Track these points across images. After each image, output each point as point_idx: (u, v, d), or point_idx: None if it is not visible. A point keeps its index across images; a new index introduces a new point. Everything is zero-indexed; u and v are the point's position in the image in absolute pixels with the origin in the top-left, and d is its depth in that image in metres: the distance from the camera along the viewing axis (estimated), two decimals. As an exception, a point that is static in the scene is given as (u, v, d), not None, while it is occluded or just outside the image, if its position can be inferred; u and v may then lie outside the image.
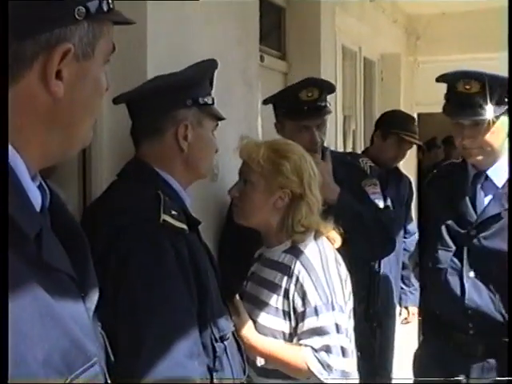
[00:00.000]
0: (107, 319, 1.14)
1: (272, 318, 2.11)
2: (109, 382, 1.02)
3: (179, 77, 2.00)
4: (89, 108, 1.03)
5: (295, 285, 2.07)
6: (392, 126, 4.23)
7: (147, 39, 2.17)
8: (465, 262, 2.68)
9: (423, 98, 6.62)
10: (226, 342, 1.88)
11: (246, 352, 2.06)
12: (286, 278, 2.10)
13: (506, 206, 2.61)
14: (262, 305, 2.14)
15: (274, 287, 2.13)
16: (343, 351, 2.05)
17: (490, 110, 2.54)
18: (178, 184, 1.93)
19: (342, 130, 5.11)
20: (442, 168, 3.17)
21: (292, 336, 2.09)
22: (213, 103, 2.01)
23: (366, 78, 5.83)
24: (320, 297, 2.05)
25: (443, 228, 2.75)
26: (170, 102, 1.92)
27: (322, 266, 2.10)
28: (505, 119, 2.62)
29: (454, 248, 2.72)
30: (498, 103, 2.55)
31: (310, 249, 2.12)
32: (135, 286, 1.68)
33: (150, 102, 1.92)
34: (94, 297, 1.05)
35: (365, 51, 5.53)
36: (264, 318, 2.12)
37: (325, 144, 3.07)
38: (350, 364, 2.11)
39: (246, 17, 2.99)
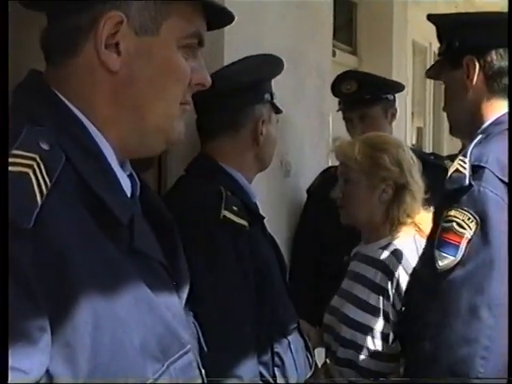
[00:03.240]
0: None
1: (363, 314, 2.08)
2: (202, 371, 1.02)
3: (258, 73, 1.99)
4: (160, 91, 0.98)
5: (396, 289, 2.03)
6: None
7: (224, 35, 2.17)
8: None
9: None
10: (289, 338, 1.87)
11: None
12: (384, 276, 2.07)
13: None
14: (354, 299, 2.11)
15: (369, 283, 2.10)
16: None
17: None
18: (244, 179, 1.94)
19: (411, 126, 5.03)
20: None
21: (384, 334, 2.05)
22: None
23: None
24: None
25: None
26: (250, 98, 1.93)
27: None
28: None
29: None
30: None
31: (408, 247, 2.08)
32: (192, 280, 1.69)
33: (227, 98, 1.92)
34: (185, 285, 1.05)
35: (435, 46, 5.42)
36: (355, 312, 2.09)
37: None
38: None
39: (321, 12, 2.96)
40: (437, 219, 1.62)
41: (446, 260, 1.50)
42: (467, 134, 1.80)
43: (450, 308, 1.48)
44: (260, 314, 1.77)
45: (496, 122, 1.69)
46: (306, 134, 2.83)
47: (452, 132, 1.91)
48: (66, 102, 0.94)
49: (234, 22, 2.20)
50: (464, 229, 1.49)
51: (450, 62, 1.77)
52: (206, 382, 1.04)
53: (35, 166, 0.80)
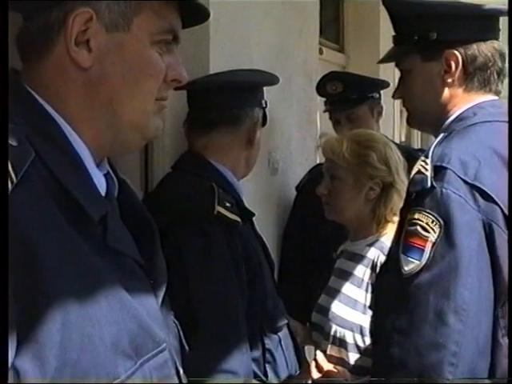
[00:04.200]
0: None
1: (351, 311, 2.08)
2: (180, 370, 1.01)
3: (260, 76, 2.04)
4: (132, 86, 0.97)
5: None
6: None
7: (210, 31, 2.17)
8: None
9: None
10: (280, 334, 1.87)
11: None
12: (369, 271, 2.07)
13: None
14: (342, 297, 2.11)
15: (356, 280, 2.10)
16: None
17: None
18: (233, 176, 1.94)
19: (400, 123, 5.04)
20: None
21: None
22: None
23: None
24: None
25: None
26: (251, 99, 1.96)
27: None
28: None
29: None
30: None
31: None
32: (187, 276, 1.69)
33: (231, 94, 1.93)
34: (163, 284, 1.04)
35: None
36: (343, 310, 2.09)
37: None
38: None
39: (307, 9, 2.96)
40: (401, 222, 1.57)
41: (411, 264, 1.46)
42: (432, 126, 1.75)
43: (416, 313, 1.44)
44: (251, 310, 1.77)
45: (458, 118, 1.62)
46: (294, 131, 2.83)
47: (413, 123, 1.83)
48: (40, 100, 0.94)
49: (219, 20, 2.22)
50: (428, 232, 1.45)
51: (422, 54, 1.67)
52: (184, 381, 1.02)
53: None
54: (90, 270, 0.87)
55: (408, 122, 1.84)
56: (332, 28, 4.17)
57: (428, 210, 1.45)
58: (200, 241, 1.72)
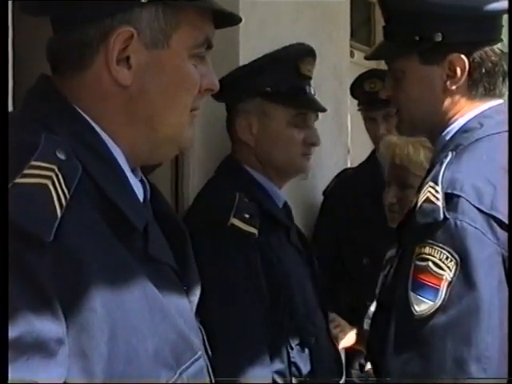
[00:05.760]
0: None
1: None
2: (212, 376, 1.01)
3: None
4: (171, 101, 0.98)
5: None
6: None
7: (239, 36, 2.16)
8: None
9: None
10: (307, 348, 1.84)
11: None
12: None
13: None
14: None
15: None
16: None
17: None
18: (270, 183, 1.90)
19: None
20: None
21: None
22: None
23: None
24: None
25: None
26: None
27: None
28: None
29: None
30: None
31: None
32: (204, 284, 1.68)
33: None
34: (196, 290, 1.04)
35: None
36: None
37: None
38: None
39: (337, 12, 2.94)
40: (404, 252, 1.41)
41: (423, 305, 1.30)
42: (428, 134, 1.60)
43: (432, 360, 1.29)
44: (275, 322, 1.76)
45: (463, 130, 1.47)
46: (324, 135, 2.80)
47: (404, 130, 1.65)
48: (80, 111, 0.93)
49: (248, 23, 2.21)
50: (442, 269, 1.29)
51: (421, 55, 1.51)
52: None
53: (54, 178, 0.80)
54: (135, 281, 0.87)
55: (398, 128, 1.67)
56: (363, 30, 4.15)
57: (441, 245, 1.30)
58: (213, 252, 1.71)
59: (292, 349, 1.80)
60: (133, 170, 0.99)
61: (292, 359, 1.80)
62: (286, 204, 2.01)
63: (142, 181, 1.02)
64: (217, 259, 1.71)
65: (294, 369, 1.80)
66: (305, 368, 1.82)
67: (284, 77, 1.91)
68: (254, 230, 1.76)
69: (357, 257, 2.71)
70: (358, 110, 2.98)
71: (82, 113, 0.93)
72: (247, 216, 1.75)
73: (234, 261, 1.73)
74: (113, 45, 0.92)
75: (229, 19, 1.05)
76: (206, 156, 2.13)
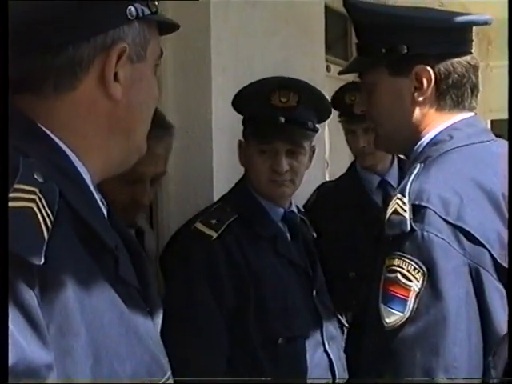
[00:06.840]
0: None
1: None
2: None
3: None
4: (144, 113, 1.02)
5: None
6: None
7: (211, 49, 2.16)
8: None
9: (496, 104, 6.42)
10: (281, 347, 1.88)
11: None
12: None
13: None
14: None
15: None
16: None
17: None
18: (267, 202, 2.01)
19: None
20: None
21: None
22: None
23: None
24: None
25: None
26: None
27: None
28: None
29: None
30: None
31: None
32: (166, 289, 1.84)
33: None
34: (159, 311, 1.04)
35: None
36: None
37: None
38: None
39: (312, 26, 2.96)
40: (376, 265, 1.40)
41: (393, 316, 1.31)
42: (402, 149, 1.61)
43: (403, 370, 1.30)
44: (240, 321, 1.85)
45: (433, 142, 1.47)
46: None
47: (380, 145, 1.64)
48: (49, 133, 0.92)
49: (220, 41, 2.21)
50: (410, 281, 1.29)
51: (389, 68, 1.51)
52: None
53: (37, 200, 0.80)
54: (113, 304, 0.88)
55: (375, 143, 1.66)
56: (340, 45, 4.17)
57: (409, 256, 1.30)
58: (176, 254, 1.89)
59: (255, 348, 1.85)
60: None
61: (255, 358, 1.85)
62: (290, 217, 2.09)
63: (101, 201, 1.01)
64: (177, 260, 1.87)
65: (269, 367, 1.84)
66: (273, 367, 1.86)
67: (255, 109, 1.97)
68: (214, 233, 1.85)
69: (342, 270, 2.70)
70: (339, 121, 2.98)
71: (50, 133, 0.92)
72: (213, 221, 1.86)
73: (194, 262, 1.83)
74: (111, 61, 0.93)
75: (170, 28, 1.09)
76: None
